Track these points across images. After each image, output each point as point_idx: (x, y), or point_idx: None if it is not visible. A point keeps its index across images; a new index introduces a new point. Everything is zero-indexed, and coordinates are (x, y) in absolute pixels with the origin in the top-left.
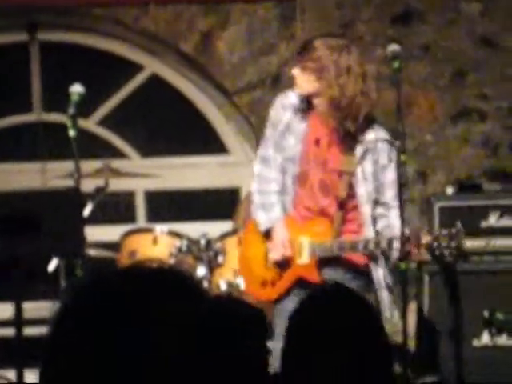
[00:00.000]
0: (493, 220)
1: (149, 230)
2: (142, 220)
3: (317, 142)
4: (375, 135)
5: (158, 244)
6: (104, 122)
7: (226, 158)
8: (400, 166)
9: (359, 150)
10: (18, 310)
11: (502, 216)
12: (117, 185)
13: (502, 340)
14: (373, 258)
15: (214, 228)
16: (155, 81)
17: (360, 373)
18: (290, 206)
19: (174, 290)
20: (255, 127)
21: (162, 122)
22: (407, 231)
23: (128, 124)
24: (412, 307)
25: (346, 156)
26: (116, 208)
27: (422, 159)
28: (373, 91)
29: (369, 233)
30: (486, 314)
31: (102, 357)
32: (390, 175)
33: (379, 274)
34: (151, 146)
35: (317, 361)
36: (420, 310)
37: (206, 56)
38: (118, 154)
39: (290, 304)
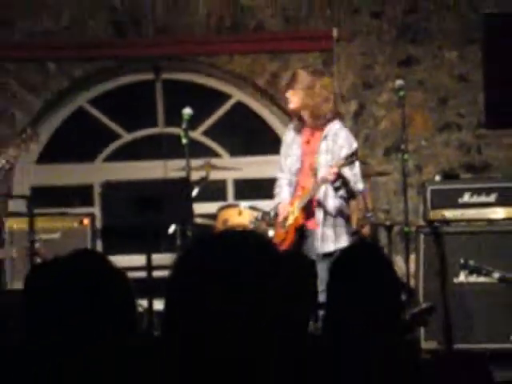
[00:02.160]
0: (466, 198)
1: (235, 206)
2: (231, 199)
3: (308, 142)
4: (334, 127)
5: (242, 215)
6: (206, 133)
7: None
8: (403, 161)
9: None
10: (149, 260)
11: (472, 195)
12: (214, 175)
13: (473, 278)
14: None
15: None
16: (240, 105)
17: (384, 296)
18: (293, 191)
19: (255, 243)
20: None
21: (244, 132)
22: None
23: (221, 134)
24: (412, 257)
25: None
26: (214, 191)
27: (418, 157)
28: (331, 100)
29: None
30: (461, 261)
31: (205, 290)
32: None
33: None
34: (237, 149)
35: (351, 288)
36: (417, 259)
37: (273, 88)
38: (214, 154)
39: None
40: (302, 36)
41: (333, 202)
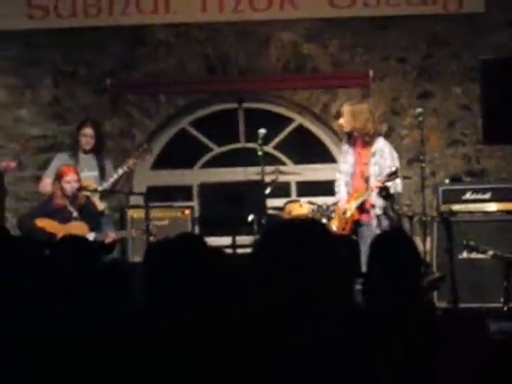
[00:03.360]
0: (468, 196)
1: (297, 201)
2: (294, 195)
3: (359, 153)
4: (380, 144)
5: (302, 208)
6: (276, 147)
7: (335, 165)
8: (421, 169)
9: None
10: (234, 240)
11: (472, 194)
12: (281, 178)
13: (473, 255)
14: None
15: (330, 200)
16: (300, 127)
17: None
18: (349, 190)
19: (316, 227)
20: None
21: (303, 146)
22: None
23: (287, 148)
24: (427, 239)
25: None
26: (281, 190)
27: (432, 166)
28: (371, 121)
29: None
30: (464, 242)
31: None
32: (389, 163)
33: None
34: (298, 159)
35: (390, 264)
36: (431, 240)
37: (325, 114)
38: (282, 163)
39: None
40: (346, 76)
41: (380, 202)
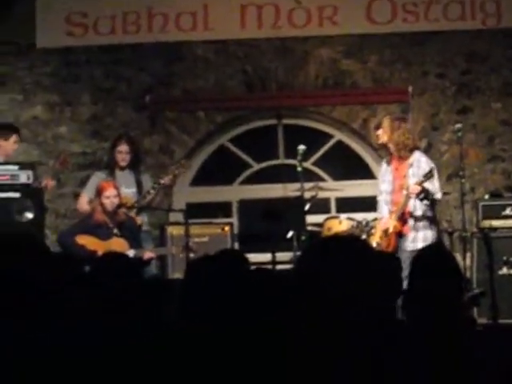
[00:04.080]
0: (507, 211)
1: (337, 217)
2: (333, 211)
3: (396, 169)
4: (416, 156)
5: (341, 224)
6: (315, 163)
7: (374, 181)
8: (461, 184)
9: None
10: (273, 257)
11: None
12: (321, 194)
13: None
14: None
15: (369, 215)
16: (340, 143)
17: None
18: (389, 207)
19: (358, 244)
20: None
21: (343, 162)
22: None
23: (326, 164)
24: (467, 255)
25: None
26: (320, 206)
27: (472, 181)
28: (410, 136)
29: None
30: (504, 258)
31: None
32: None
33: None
34: (337, 175)
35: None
36: (471, 256)
37: (364, 130)
38: (321, 179)
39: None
40: (386, 92)
41: (420, 211)
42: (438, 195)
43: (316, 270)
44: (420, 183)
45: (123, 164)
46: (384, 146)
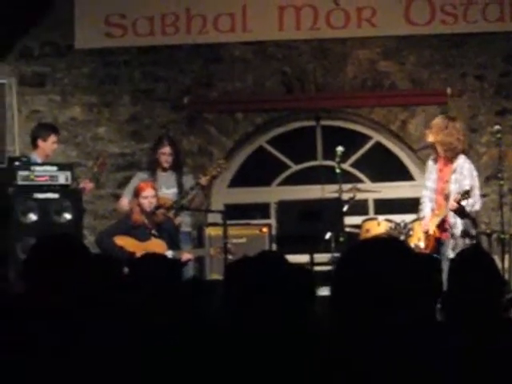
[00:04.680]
0: None
1: (375, 219)
2: (371, 213)
3: (441, 170)
4: (460, 161)
5: (380, 226)
6: (353, 165)
7: (412, 182)
8: (500, 186)
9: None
10: (311, 258)
11: None
12: (359, 196)
13: None
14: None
15: (407, 217)
16: (378, 144)
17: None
18: (432, 205)
19: (398, 245)
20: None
21: (381, 164)
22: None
23: (365, 165)
24: (506, 256)
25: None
26: (359, 207)
27: (510, 183)
28: (459, 138)
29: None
30: None
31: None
32: (467, 182)
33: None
34: (376, 176)
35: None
36: (510, 258)
37: (403, 132)
38: (359, 180)
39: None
40: (424, 93)
41: (459, 221)
42: (477, 206)
43: (356, 271)
44: (458, 201)
45: (166, 165)
46: (432, 146)
